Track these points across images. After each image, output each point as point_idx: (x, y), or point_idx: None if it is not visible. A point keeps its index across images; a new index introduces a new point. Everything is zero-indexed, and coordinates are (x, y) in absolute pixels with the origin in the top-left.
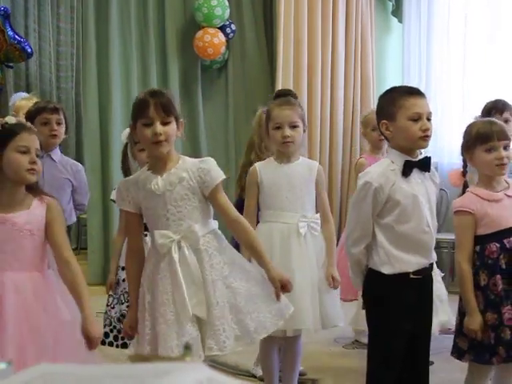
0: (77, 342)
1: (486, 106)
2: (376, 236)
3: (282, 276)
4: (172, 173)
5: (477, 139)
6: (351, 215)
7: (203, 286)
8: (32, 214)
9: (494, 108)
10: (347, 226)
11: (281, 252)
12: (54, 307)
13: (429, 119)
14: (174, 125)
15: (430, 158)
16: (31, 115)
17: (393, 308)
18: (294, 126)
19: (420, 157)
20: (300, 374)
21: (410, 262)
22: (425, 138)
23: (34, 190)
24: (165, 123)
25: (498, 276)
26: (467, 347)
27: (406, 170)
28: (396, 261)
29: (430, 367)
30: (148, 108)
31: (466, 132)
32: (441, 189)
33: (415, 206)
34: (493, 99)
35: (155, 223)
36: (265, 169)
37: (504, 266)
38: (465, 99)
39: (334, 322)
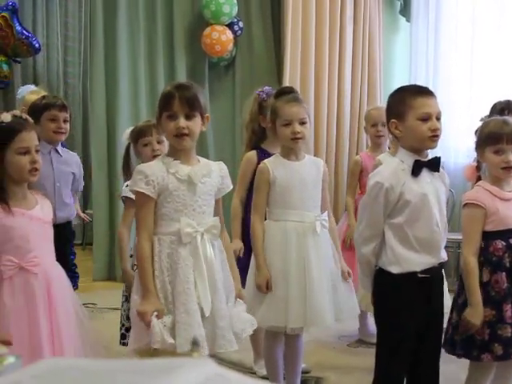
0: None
1: (495, 105)
2: (385, 236)
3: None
4: (201, 165)
5: (487, 139)
6: (362, 215)
7: (215, 281)
8: (44, 207)
9: (508, 108)
10: (357, 225)
11: (297, 251)
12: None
13: (438, 119)
14: (198, 119)
15: (439, 158)
16: (38, 110)
17: (401, 307)
18: (303, 123)
19: (429, 157)
20: (304, 372)
21: (417, 262)
22: (434, 137)
23: (30, 185)
24: (189, 118)
25: (504, 273)
26: (458, 342)
27: (416, 170)
28: (404, 261)
29: None
30: (172, 101)
31: (480, 129)
32: None
33: (425, 206)
34: (503, 99)
35: (180, 211)
36: (276, 167)
37: (508, 265)
38: (472, 99)
39: (349, 314)
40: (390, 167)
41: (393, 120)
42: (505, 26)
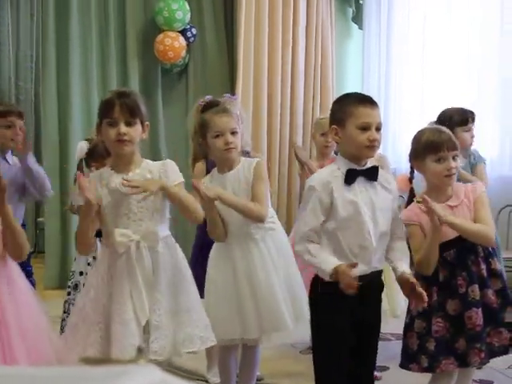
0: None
1: (462, 112)
2: (321, 242)
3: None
4: (137, 173)
5: (426, 148)
6: (299, 215)
7: (153, 289)
8: None
9: (471, 116)
10: (296, 225)
11: (243, 261)
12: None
13: (378, 129)
14: (138, 126)
15: (377, 167)
16: None
17: (333, 313)
18: (234, 132)
19: (368, 165)
20: (257, 379)
21: None
22: (371, 147)
23: None
24: (129, 124)
25: (435, 288)
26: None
27: (349, 178)
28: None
29: (385, 372)
30: (113, 108)
31: (414, 139)
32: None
33: (356, 214)
34: (455, 107)
35: (114, 221)
36: (210, 184)
37: (441, 279)
38: (423, 104)
39: (305, 315)
40: (325, 172)
41: (333, 126)
42: (454, 34)
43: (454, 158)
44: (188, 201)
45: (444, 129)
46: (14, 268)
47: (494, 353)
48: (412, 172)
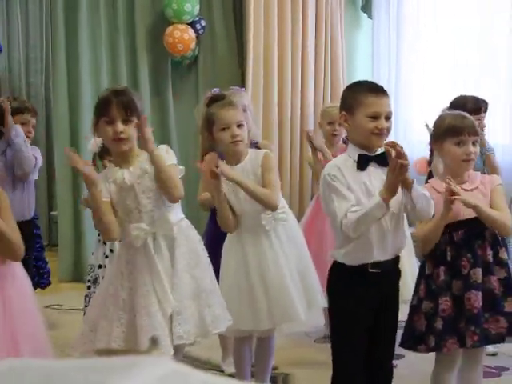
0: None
1: (476, 100)
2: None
3: None
4: (136, 166)
5: (447, 132)
6: (329, 202)
7: (171, 274)
8: None
9: (484, 106)
10: (333, 214)
11: (254, 254)
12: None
13: (388, 118)
14: (135, 123)
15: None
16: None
17: (349, 298)
18: (240, 125)
19: (379, 151)
20: (271, 368)
21: (365, 255)
22: (379, 135)
23: None
24: (126, 122)
25: (442, 267)
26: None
27: (361, 163)
28: (353, 252)
29: (401, 360)
30: (110, 106)
31: (436, 123)
32: None
33: (368, 196)
34: (469, 95)
35: (127, 217)
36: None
37: (449, 259)
38: (434, 93)
39: (318, 302)
40: (337, 161)
41: (343, 112)
42: (466, 21)
43: (474, 144)
44: (171, 174)
45: (467, 115)
46: (17, 265)
47: (489, 339)
48: (431, 155)
